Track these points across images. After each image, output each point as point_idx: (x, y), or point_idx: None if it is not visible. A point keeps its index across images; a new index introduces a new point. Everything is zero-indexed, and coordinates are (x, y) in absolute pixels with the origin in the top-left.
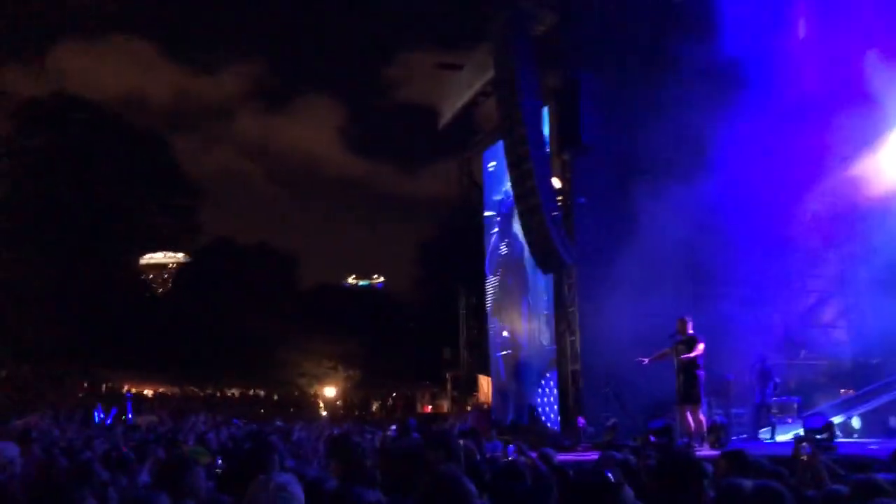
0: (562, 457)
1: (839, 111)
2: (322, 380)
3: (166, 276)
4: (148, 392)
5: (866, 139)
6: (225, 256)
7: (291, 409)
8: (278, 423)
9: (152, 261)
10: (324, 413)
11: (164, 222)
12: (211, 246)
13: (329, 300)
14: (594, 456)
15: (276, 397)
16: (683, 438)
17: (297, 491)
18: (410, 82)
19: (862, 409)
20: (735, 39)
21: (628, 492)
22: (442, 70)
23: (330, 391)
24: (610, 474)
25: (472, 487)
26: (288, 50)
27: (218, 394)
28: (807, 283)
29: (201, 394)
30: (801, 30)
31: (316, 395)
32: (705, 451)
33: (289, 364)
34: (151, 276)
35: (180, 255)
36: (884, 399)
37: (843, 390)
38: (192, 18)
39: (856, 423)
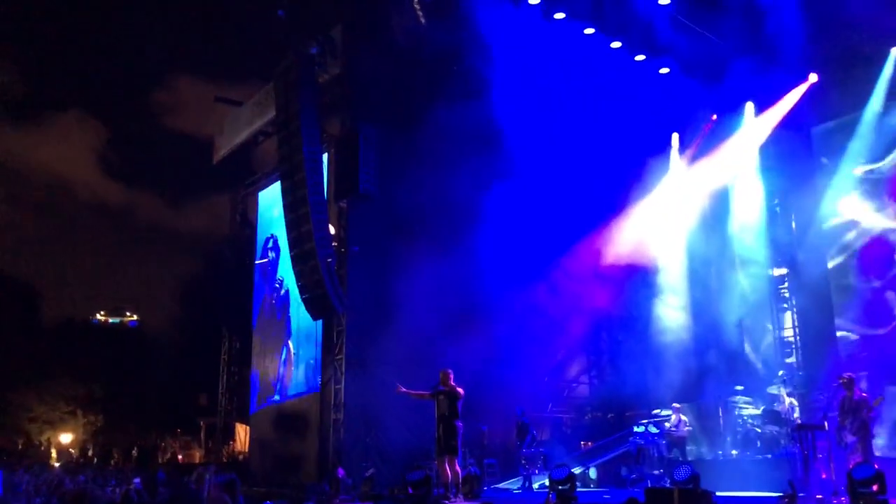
0: None
1: (596, 183)
2: (57, 426)
3: None
4: None
5: (614, 206)
6: None
7: (8, 458)
8: None
9: None
10: (56, 463)
11: None
12: None
13: (74, 337)
14: None
15: None
16: (440, 489)
17: None
18: (182, 111)
19: (599, 461)
20: (502, 106)
21: None
22: (221, 104)
23: (66, 438)
24: None
25: None
26: (42, 58)
27: None
28: (554, 341)
29: None
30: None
31: (46, 443)
32: (460, 502)
33: (18, 408)
34: None
35: None
36: (616, 452)
37: (583, 442)
38: None
39: (593, 473)
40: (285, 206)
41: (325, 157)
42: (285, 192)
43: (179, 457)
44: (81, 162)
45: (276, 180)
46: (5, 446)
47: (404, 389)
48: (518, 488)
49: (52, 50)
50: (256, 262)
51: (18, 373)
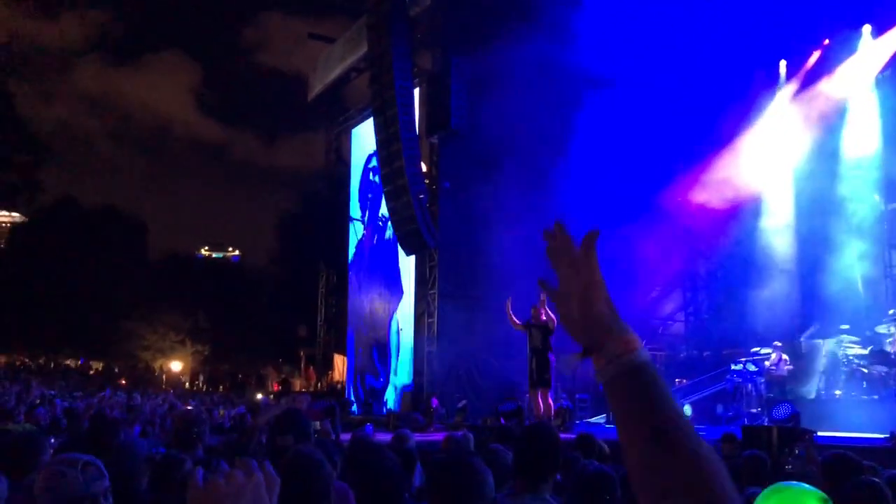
0: (416, 437)
1: (695, 114)
2: (168, 354)
3: None
4: None
5: (720, 142)
6: (66, 218)
7: (127, 382)
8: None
9: None
10: (168, 389)
11: None
12: (51, 206)
13: (180, 271)
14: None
15: (116, 370)
16: (532, 420)
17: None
18: (274, 49)
19: (693, 398)
20: (598, 42)
21: (488, 474)
22: (313, 40)
23: (176, 366)
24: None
25: (328, 467)
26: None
27: (52, 364)
28: (651, 277)
29: (31, 364)
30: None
31: (160, 370)
32: None
33: (133, 336)
34: None
35: (16, 215)
36: (711, 389)
37: (678, 380)
38: None
39: (687, 410)
40: (378, 143)
41: (416, 91)
42: (378, 129)
43: (275, 385)
44: (179, 101)
45: (370, 116)
46: (124, 372)
47: (509, 302)
48: (608, 423)
49: None
50: (350, 196)
51: (131, 303)
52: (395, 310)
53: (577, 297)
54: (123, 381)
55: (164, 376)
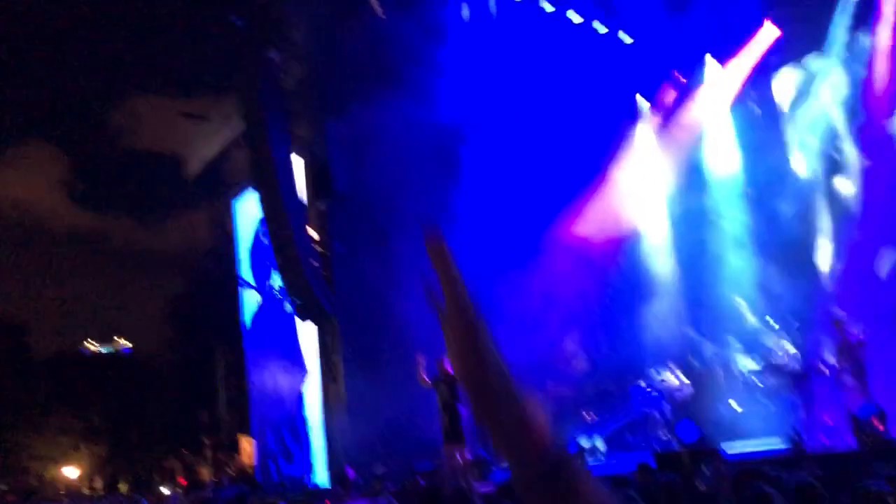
0: None
1: (567, 153)
2: (61, 461)
3: None
4: None
5: (589, 178)
6: None
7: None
8: None
9: None
10: (66, 500)
11: None
12: None
13: (66, 371)
14: None
15: (5, 488)
16: (450, 477)
17: None
18: (144, 130)
19: (605, 433)
20: (464, 99)
21: None
22: (187, 119)
23: (72, 472)
24: None
25: None
26: None
27: None
28: (548, 319)
29: None
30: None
31: (53, 480)
32: (473, 485)
33: (18, 448)
34: None
35: None
36: (622, 421)
37: (586, 414)
38: None
39: (600, 444)
40: (264, 216)
41: (301, 161)
42: (261, 202)
43: (183, 480)
44: (48, 194)
45: (252, 188)
46: (21, 487)
47: (420, 360)
48: None
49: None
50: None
51: (15, 411)
52: (300, 384)
53: (458, 344)
54: (10, 499)
55: (60, 486)
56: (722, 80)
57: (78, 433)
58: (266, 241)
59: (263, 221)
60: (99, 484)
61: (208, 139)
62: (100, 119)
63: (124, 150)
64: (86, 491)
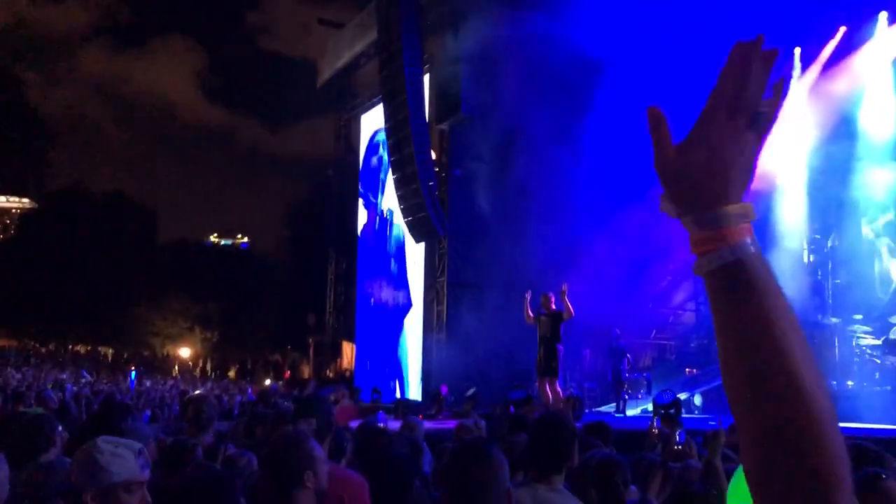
0: (426, 424)
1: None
2: (177, 340)
3: (8, 221)
4: None
5: None
6: (76, 204)
7: (141, 368)
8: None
9: None
10: (177, 375)
11: (6, 161)
12: (61, 192)
13: (189, 258)
14: (453, 424)
15: (125, 356)
16: (541, 409)
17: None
18: (279, 33)
19: (705, 388)
20: (602, 24)
21: (504, 462)
22: (321, 26)
23: (185, 352)
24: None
25: (320, 450)
26: None
27: (62, 350)
28: (661, 266)
29: (42, 349)
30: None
31: (169, 356)
32: None
33: (142, 322)
34: None
35: (25, 201)
36: (720, 379)
37: (688, 369)
38: None
39: (698, 400)
40: (387, 129)
41: (426, 78)
42: (387, 115)
43: (288, 372)
44: (184, 87)
45: (379, 103)
46: (133, 358)
47: (528, 295)
48: (616, 412)
49: None
50: (361, 182)
51: (140, 290)
52: (404, 300)
53: (717, 131)
54: (132, 367)
55: (173, 362)
56: (891, 39)
57: (194, 317)
58: (385, 158)
59: (385, 137)
60: (209, 366)
61: (341, 47)
62: (238, 17)
63: (258, 51)
64: (196, 372)
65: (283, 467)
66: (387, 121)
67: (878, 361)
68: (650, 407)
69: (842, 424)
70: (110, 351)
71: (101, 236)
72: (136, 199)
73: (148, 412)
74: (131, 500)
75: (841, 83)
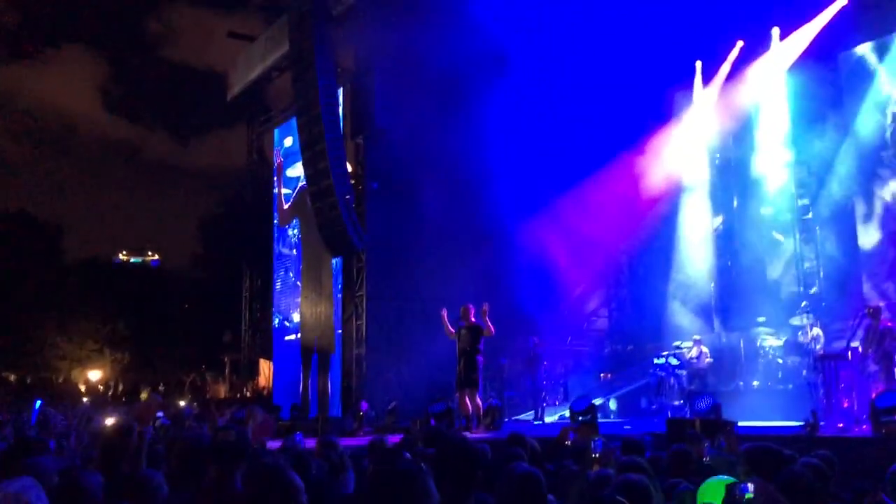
0: (344, 441)
1: (610, 112)
2: (85, 363)
3: None
4: None
5: (636, 138)
6: None
7: (48, 396)
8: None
9: None
10: (85, 399)
11: None
12: None
13: (97, 277)
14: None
15: (28, 381)
16: (461, 421)
17: (38, 496)
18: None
19: (618, 393)
20: (514, 37)
21: (429, 480)
22: (233, 39)
23: (94, 375)
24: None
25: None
26: None
27: None
28: (575, 274)
29: None
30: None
31: (76, 381)
32: (481, 433)
33: (46, 346)
34: None
35: None
36: (636, 384)
37: (602, 374)
38: None
39: (613, 404)
40: (301, 144)
41: (339, 91)
42: (301, 129)
43: (207, 394)
44: (85, 99)
45: (292, 116)
46: (43, 383)
47: (445, 313)
48: (535, 419)
49: None
50: (274, 196)
51: (46, 312)
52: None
53: None
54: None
55: (81, 387)
56: (786, 51)
57: (103, 339)
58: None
59: (301, 150)
60: (120, 389)
61: (252, 60)
62: (141, 27)
63: (163, 62)
64: (107, 395)
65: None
66: (300, 134)
67: (781, 361)
68: (567, 413)
69: (749, 423)
70: (12, 377)
71: (2, 256)
72: (39, 217)
73: (52, 442)
74: None
75: (740, 93)
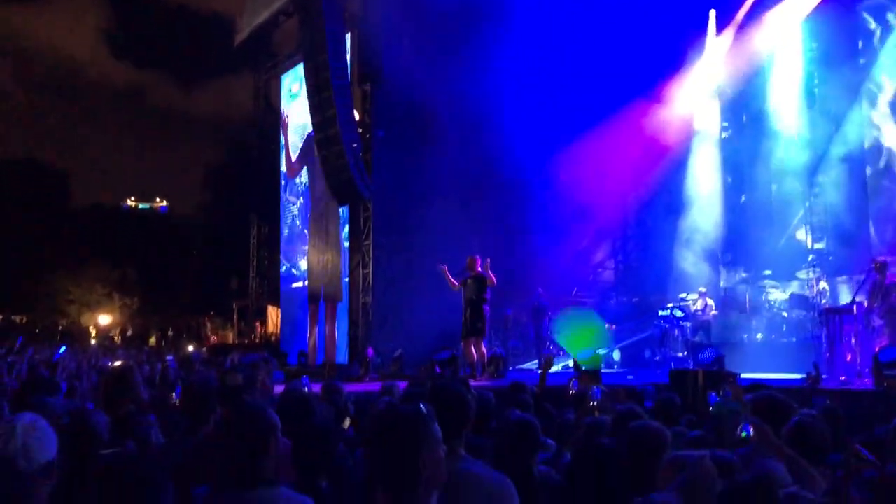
0: (350, 387)
1: (619, 59)
2: (95, 308)
3: None
4: None
5: (645, 87)
6: None
7: (58, 338)
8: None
9: None
10: (94, 342)
11: None
12: None
13: (105, 223)
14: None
15: (38, 329)
16: (466, 369)
17: (47, 429)
18: None
19: (623, 344)
20: None
21: (435, 425)
22: None
23: (104, 320)
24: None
25: (276, 419)
26: None
27: None
28: (582, 226)
29: None
30: None
31: (87, 325)
32: (485, 381)
33: (57, 290)
34: None
35: None
36: (640, 335)
37: (608, 325)
38: None
39: (616, 355)
40: (308, 90)
41: (347, 37)
42: (308, 75)
43: (213, 338)
44: (90, 43)
45: (299, 62)
46: (50, 327)
47: (445, 268)
48: (539, 368)
49: None
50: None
51: (54, 257)
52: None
53: None
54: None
55: (91, 330)
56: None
57: (113, 284)
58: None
59: (308, 97)
60: (128, 333)
61: (259, 4)
62: None
63: (167, 5)
64: (116, 339)
65: (249, 435)
66: (307, 80)
67: (786, 315)
68: (571, 363)
69: (752, 375)
70: (24, 320)
71: (10, 202)
72: (46, 163)
73: (64, 384)
74: None
75: (754, 40)
